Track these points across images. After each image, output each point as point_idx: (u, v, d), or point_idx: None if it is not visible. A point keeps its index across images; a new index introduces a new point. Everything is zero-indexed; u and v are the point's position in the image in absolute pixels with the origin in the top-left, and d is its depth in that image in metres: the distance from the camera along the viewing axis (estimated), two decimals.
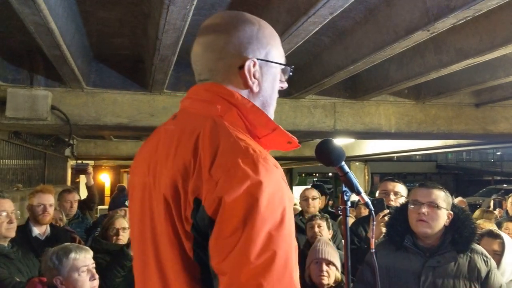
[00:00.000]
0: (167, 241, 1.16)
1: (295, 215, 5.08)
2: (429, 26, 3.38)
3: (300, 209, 6.32)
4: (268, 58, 1.28)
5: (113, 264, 3.31)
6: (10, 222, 3.07)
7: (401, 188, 3.49)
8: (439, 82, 5.90)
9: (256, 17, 1.33)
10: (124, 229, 3.64)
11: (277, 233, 1.05)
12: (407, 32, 3.60)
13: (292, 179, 21.29)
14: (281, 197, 1.08)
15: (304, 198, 4.82)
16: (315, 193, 4.83)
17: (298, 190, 13.44)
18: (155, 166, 1.23)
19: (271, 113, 1.31)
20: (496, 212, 7.86)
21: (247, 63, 1.24)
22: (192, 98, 1.29)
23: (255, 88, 1.27)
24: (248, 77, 1.25)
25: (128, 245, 3.41)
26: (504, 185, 22.16)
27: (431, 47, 4.67)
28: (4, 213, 3.04)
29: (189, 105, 1.29)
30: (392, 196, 3.43)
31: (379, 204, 3.10)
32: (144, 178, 1.28)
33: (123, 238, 3.62)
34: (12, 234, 3.10)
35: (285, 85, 1.36)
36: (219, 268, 1.05)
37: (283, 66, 1.33)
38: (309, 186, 6.03)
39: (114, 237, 3.62)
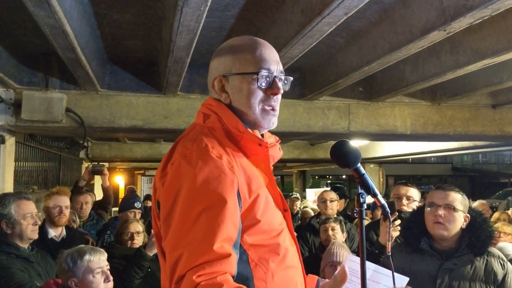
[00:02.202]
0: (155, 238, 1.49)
1: (312, 217, 5.03)
2: (446, 26, 3.33)
3: (312, 212, 6.29)
4: (233, 71, 1.46)
5: (131, 265, 3.31)
6: (35, 224, 3.06)
7: (414, 193, 3.44)
8: (455, 83, 5.82)
9: (247, 36, 1.54)
10: (138, 233, 3.64)
11: (203, 213, 1.25)
12: (423, 32, 3.56)
13: (306, 181, 21.23)
14: (211, 181, 1.28)
15: (322, 200, 4.78)
16: (333, 195, 4.79)
17: (311, 192, 13.37)
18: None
19: (259, 120, 1.46)
20: (510, 211, 7.73)
21: (214, 81, 1.50)
22: (198, 111, 1.55)
23: (224, 100, 1.48)
24: (214, 91, 1.50)
25: (145, 246, 3.41)
26: None
27: (447, 47, 4.61)
28: (29, 215, 3.04)
29: (196, 118, 1.56)
30: (404, 201, 3.38)
31: (390, 207, 3.05)
32: None
33: (138, 242, 3.62)
34: (36, 236, 3.09)
35: (277, 90, 1.46)
36: (164, 248, 1.33)
37: (254, 75, 1.44)
38: (327, 188, 5.98)
39: (129, 242, 3.61)
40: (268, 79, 1.45)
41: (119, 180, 19.48)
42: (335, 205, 4.75)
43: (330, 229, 3.91)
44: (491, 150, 14.62)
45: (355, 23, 4.22)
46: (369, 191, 1.55)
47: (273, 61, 1.48)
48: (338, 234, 3.88)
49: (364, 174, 1.55)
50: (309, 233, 4.49)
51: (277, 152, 1.54)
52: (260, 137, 1.47)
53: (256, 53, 1.47)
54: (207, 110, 1.49)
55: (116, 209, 11.53)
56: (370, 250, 3.33)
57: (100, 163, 7.24)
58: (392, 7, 3.89)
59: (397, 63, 4.69)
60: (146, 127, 5.98)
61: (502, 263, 2.43)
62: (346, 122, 6.56)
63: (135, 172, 21.61)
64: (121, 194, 19.53)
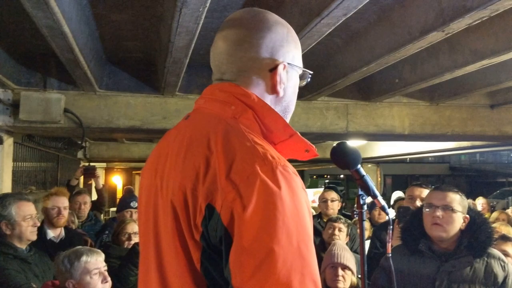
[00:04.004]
0: (172, 250, 1.09)
1: (313, 217, 5.04)
2: (444, 27, 3.34)
3: (314, 212, 6.29)
4: (294, 62, 1.25)
5: (126, 263, 3.31)
6: (34, 225, 3.07)
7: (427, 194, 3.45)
8: (453, 83, 5.83)
9: (280, 18, 1.29)
10: (136, 233, 3.65)
11: (305, 247, 1.00)
12: (422, 33, 3.56)
13: (304, 181, 21.25)
14: (303, 207, 1.03)
15: (323, 200, 4.77)
16: (334, 195, 4.78)
17: (310, 193, 13.40)
18: (163, 169, 1.18)
19: (289, 119, 1.28)
20: (509, 210, 7.76)
21: (279, 67, 1.20)
22: (207, 98, 1.23)
23: (282, 93, 1.23)
24: (278, 81, 1.21)
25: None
26: None
27: (446, 48, 4.62)
28: (29, 217, 3.03)
29: (203, 105, 1.23)
30: (418, 202, 3.37)
31: (405, 212, 3.06)
32: (151, 181, 1.22)
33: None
34: (35, 237, 3.10)
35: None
36: (242, 287, 0.96)
37: (302, 71, 1.29)
38: (324, 188, 5.96)
39: (126, 242, 3.62)
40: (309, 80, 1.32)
41: (117, 181, 19.45)
42: (336, 205, 4.74)
43: (337, 229, 3.89)
44: (489, 150, 14.65)
45: (353, 23, 4.22)
46: (369, 192, 1.55)
47: None
48: (342, 235, 3.88)
49: (364, 175, 1.55)
50: None
51: None
52: (309, 142, 1.21)
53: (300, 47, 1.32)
54: (239, 102, 1.16)
55: (115, 209, 11.56)
56: (382, 251, 3.32)
57: (92, 165, 7.23)
58: (391, 7, 3.90)
59: (395, 64, 4.70)
60: (144, 128, 5.97)
61: (503, 264, 2.42)
62: (345, 122, 6.57)
63: (133, 172, 21.58)
64: (119, 195, 19.52)
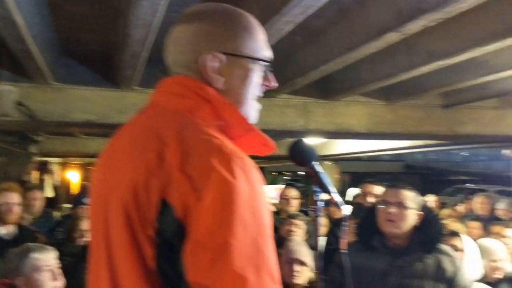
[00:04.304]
0: (123, 248, 1.04)
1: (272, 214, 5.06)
2: (401, 28, 3.42)
3: (273, 208, 6.29)
4: (238, 52, 1.17)
5: (79, 260, 3.23)
6: None
7: (379, 190, 3.52)
8: (409, 83, 5.99)
9: (234, 8, 1.23)
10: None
11: (262, 240, 0.99)
12: (379, 33, 3.64)
13: (265, 178, 21.34)
14: (260, 200, 1.02)
15: (284, 197, 4.79)
16: (295, 192, 4.80)
17: (270, 189, 13.45)
18: (115, 163, 1.13)
19: (249, 113, 1.21)
20: (461, 208, 8.08)
21: (206, 58, 1.14)
22: (162, 91, 1.19)
23: (217, 85, 1.15)
24: (205, 72, 1.14)
25: None
26: (469, 185, 22.75)
27: (402, 48, 4.73)
28: None
29: (159, 99, 1.19)
30: (370, 198, 3.45)
31: (359, 209, 3.12)
32: (102, 176, 1.18)
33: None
34: None
35: (272, 83, 1.27)
36: (198, 281, 0.95)
37: (263, 62, 1.21)
38: (284, 185, 5.98)
39: (80, 239, 3.53)
40: (271, 69, 1.25)
41: (73, 176, 18.93)
42: (296, 203, 4.78)
43: (295, 225, 3.92)
44: (441, 149, 15.16)
45: (313, 22, 4.26)
46: (325, 189, 1.57)
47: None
48: (300, 232, 3.91)
49: (320, 172, 1.57)
50: None
51: None
52: (267, 137, 1.18)
53: (262, 36, 1.23)
54: (196, 96, 1.13)
55: (70, 205, 11.25)
56: (336, 246, 3.38)
57: (44, 159, 7.03)
58: (350, 7, 3.96)
59: (353, 63, 4.78)
60: (100, 122, 5.84)
61: (452, 260, 2.50)
62: (304, 120, 6.64)
63: (90, 167, 21.08)
64: (75, 191, 19.02)
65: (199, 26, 1.17)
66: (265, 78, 1.25)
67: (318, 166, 1.57)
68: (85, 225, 3.60)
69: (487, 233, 5.22)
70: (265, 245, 0.99)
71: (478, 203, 6.74)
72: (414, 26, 3.39)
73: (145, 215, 1.01)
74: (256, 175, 1.05)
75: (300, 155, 1.54)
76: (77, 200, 4.79)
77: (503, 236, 4.15)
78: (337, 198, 1.61)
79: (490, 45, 3.83)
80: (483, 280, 3.41)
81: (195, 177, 0.97)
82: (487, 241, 3.69)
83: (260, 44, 1.22)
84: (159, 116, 1.13)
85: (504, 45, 3.85)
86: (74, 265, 3.21)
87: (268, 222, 1.03)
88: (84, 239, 3.53)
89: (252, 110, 1.23)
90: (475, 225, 5.30)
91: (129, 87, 5.65)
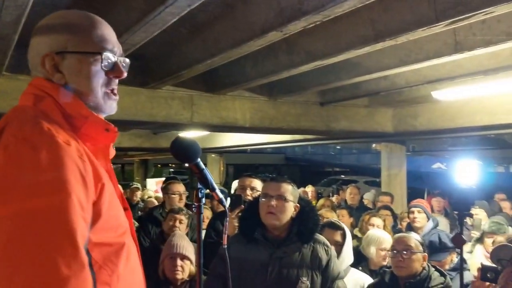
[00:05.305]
0: None
1: (154, 208, 4.93)
2: (283, 27, 3.55)
3: (156, 202, 6.17)
4: (70, 50, 1.32)
5: None
6: None
7: (257, 184, 3.62)
8: (290, 81, 6.24)
9: (74, 11, 1.42)
10: None
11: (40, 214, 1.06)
12: (263, 31, 3.73)
13: (148, 170, 20.84)
14: (62, 170, 1.11)
15: (171, 192, 4.69)
16: (180, 187, 4.73)
17: (152, 182, 13.17)
18: None
19: (98, 104, 1.34)
20: (334, 198, 8.70)
21: (46, 59, 1.32)
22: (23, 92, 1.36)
23: (59, 81, 1.32)
24: (47, 71, 1.32)
25: None
26: (342, 176, 24.48)
27: (284, 47, 4.92)
28: None
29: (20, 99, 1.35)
30: (248, 191, 3.54)
31: (237, 200, 3.17)
32: None
33: None
34: None
35: (121, 73, 1.38)
36: None
37: (99, 55, 1.33)
38: (168, 180, 5.84)
39: None
40: (111, 60, 1.36)
41: None
42: (184, 198, 4.72)
43: (178, 220, 3.88)
44: (318, 143, 16.12)
45: (199, 15, 4.24)
46: (208, 185, 1.58)
47: (115, 42, 1.40)
48: (182, 227, 3.89)
49: (203, 169, 1.57)
50: (151, 225, 4.41)
51: (112, 150, 1.43)
52: (107, 121, 1.34)
53: (98, 31, 1.37)
54: (39, 91, 1.30)
55: None
56: (216, 240, 3.41)
57: None
58: (235, 4, 4.01)
59: (238, 59, 4.86)
60: None
61: (326, 249, 2.67)
62: (189, 113, 6.61)
63: None
64: None
65: (41, 35, 1.36)
66: (113, 69, 1.37)
67: (201, 163, 1.58)
68: None
69: (354, 221, 5.69)
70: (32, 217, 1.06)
71: (348, 193, 7.32)
72: (295, 27, 3.53)
73: None
74: (66, 150, 1.15)
75: (183, 152, 1.54)
76: None
77: (371, 225, 4.55)
78: (220, 194, 1.64)
79: (362, 48, 4.13)
80: (371, 267, 3.72)
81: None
82: (376, 231, 4.01)
83: (96, 39, 1.35)
84: (9, 113, 1.27)
85: (374, 49, 4.19)
86: None
87: (66, 189, 1.10)
88: None
89: (103, 100, 1.36)
90: (343, 213, 5.75)
91: None
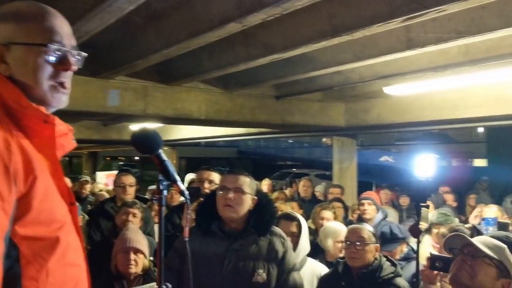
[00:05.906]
0: None
1: (105, 202, 4.80)
2: (242, 19, 3.53)
3: (107, 195, 6.00)
4: (16, 40, 1.29)
5: None
6: None
7: (215, 177, 3.60)
8: (247, 73, 6.24)
9: (22, 2, 1.37)
10: None
11: None
12: (221, 22, 3.70)
13: (97, 163, 20.30)
14: None
15: (120, 185, 4.56)
16: (132, 180, 4.61)
17: (101, 175, 12.81)
18: None
19: (45, 96, 1.31)
20: (287, 191, 8.80)
21: None
22: None
23: (3, 71, 1.29)
24: None
25: None
26: (294, 169, 24.83)
27: (242, 39, 4.90)
28: None
29: None
30: (206, 184, 3.51)
31: (195, 193, 3.14)
32: None
33: None
34: None
35: (69, 66, 1.34)
36: None
37: (43, 47, 1.29)
38: (120, 172, 5.69)
39: None
40: (59, 53, 1.32)
41: None
42: (133, 190, 4.59)
43: (131, 214, 3.79)
44: (272, 137, 16.24)
45: (156, 4, 4.16)
46: (170, 177, 1.55)
47: (66, 34, 1.35)
48: (136, 220, 3.80)
49: (165, 160, 1.54)
50: (102, 218, 4.28)
51: (69, 143, 1.40)
52: (46, 113, 1.31)
53: (46, 22, 1.32)
54: None
55: None
56: (173, 233, 3.37)
57: None
58: None
59: (195, 50, 4.79)
60: None
61: (283, 241, 2.68)
62: (143, 104, 6.47)
63: None
64: None
65: None
66: (60, 62, 1.33)
67: (162, 155, 1.54)
68: None
69: (304, 213, 5.78)
70: None
71: (301, 186, 7.43)
72: (255, 19, 3.52)
73: None
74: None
75: (145, 143, 1.51)
76: None
77: (322, 218, 4.62)
78: (182, 186, 1.61)
79: (319, 42, 4.17)
80: (328, 259, 3.77)
81: None
82: (333, 223, 4.07)
83: (44, 30, 1.32)
84: None
85: (331, 43, 4.24)
86: None
87: None
88: None
89: (49, 93, 1.32)
90: (294, 205, 5.83)
91: None
